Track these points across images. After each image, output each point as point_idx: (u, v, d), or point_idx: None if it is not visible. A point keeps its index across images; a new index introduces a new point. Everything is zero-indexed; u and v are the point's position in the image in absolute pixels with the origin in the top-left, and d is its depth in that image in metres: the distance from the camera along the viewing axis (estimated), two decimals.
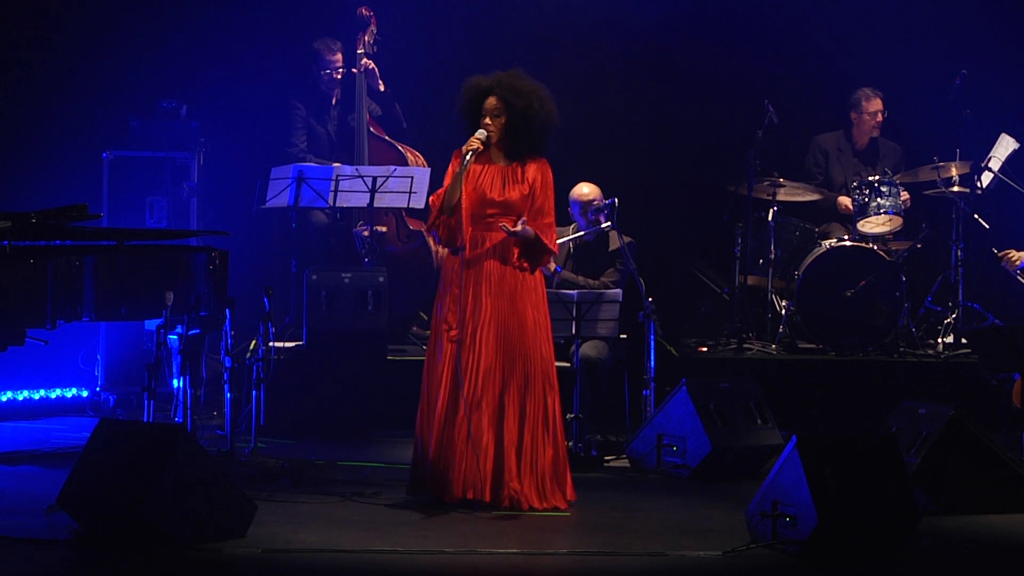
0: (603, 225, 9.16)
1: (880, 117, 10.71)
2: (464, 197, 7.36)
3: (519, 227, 7.36)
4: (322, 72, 10.55)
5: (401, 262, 10.36)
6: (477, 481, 7.26)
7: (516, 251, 7.43)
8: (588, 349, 8.82)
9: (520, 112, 7.41)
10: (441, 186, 7.48)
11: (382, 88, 10.49)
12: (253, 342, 9.14)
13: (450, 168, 7.46)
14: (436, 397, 7.37)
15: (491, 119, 7.41)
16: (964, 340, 10.10)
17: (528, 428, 7.34)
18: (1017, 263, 9.36)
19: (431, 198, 7.51)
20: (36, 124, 10.51)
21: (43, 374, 10.01)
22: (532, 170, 7.46)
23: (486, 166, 7.44)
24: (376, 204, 9.90)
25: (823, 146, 10.87)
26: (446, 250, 10.29)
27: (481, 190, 7.41)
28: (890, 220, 10.28)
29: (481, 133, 7.38)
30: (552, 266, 9.10)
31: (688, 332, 10.77)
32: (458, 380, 7.31)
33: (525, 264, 7.45)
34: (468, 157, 7.34)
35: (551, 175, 7.53)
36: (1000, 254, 9.41)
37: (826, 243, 10.30)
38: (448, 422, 7.33)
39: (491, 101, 7.43)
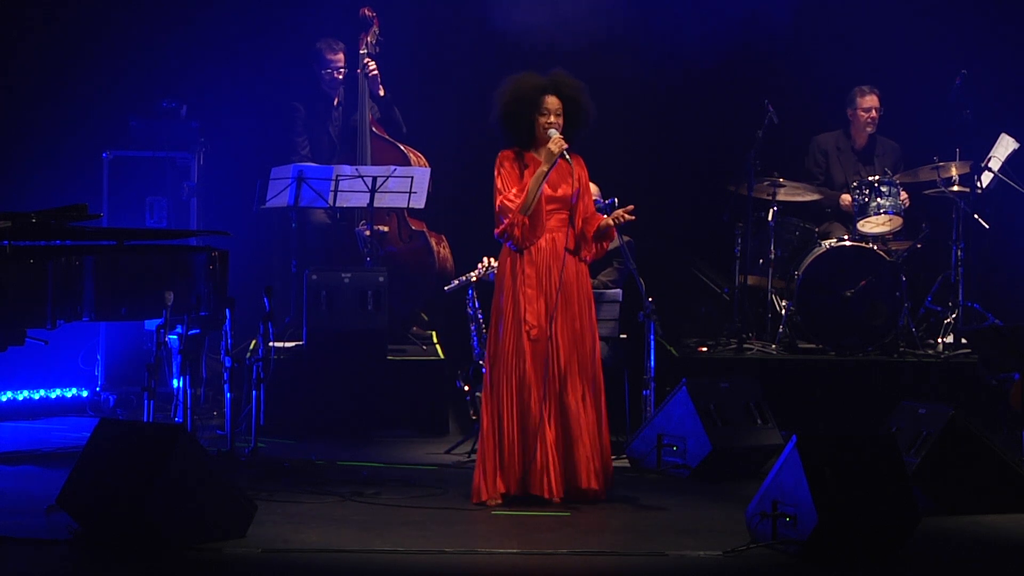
0: None
1: (875, 114, 10.70)
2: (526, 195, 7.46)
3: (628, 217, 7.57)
4: (324, 72, 10.55)
5: (402, 262, 10.36)
6: (589, 473, 7.40)
7: (589, 240, 7.58)
8: None
9: (583, 109, 7.55)
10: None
11: (382, 93, 10.49)
12: (253, 342, 9.15)
13: (503, 171, 7.49)
14: (528, 399, 7.39)
15: (555, 117, 7.49)
16: (964, 340, 10.10)
17: (603, 419, 7.51)
18: None
19: (500, 202, 7.49)
20: (36, 124, 10.51)
21: (43, 374, 10.01)
22: (576, 165, 7.57)
23: (536, 165, 7.48)
24: (376, 204, 9.90)
25: (822, 146, 10.87)
26: (446, 249, 10.31)
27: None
28: (890, 220, 10.28)
29: (554, 132, 7.44)
30: None
31: (688, 332, 10.77)
32: (547, 377, 7.38)
33: (586, 255, 7.59)
34: (566, 156, 7.41)
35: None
36: None
37: (826, 243, 10.30)
38: (542, 421, 7.38)
39: (554, 100, 7.51)
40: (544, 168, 7.42)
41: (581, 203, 7.58)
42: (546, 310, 7.45)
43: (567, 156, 7.43)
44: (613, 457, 8.68)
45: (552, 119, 7.48)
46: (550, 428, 7.39)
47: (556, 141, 7.42)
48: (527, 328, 7.44)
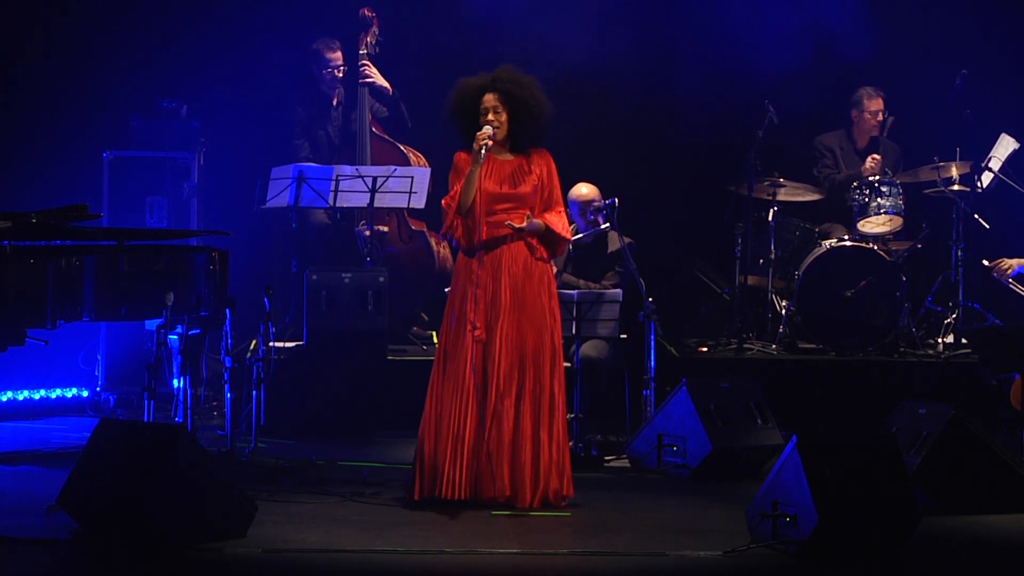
0: (603, 226, 9.16)
1: (880, 117, 10.71)
2: (476, 195, 7.38)
3: (526, 223, 7.39)
4: (323, 71, 10.55)
5: (402, 262, 10.36)
6: (500, 479, 7.28)
7: (534, 242, 7.46)
8: (588, 349, 8.82)
9: (524, 103, 7.42)
10: (445, 190, 7.49)
11: (391, 92, 10.50)
12: (253, 342, 9.14)
13: (453, 172, 7.46)
14: (459, 398, 7.33)
15: (493, 115, 7.40)
16: (964, 340, 10.10)
17: (544, 425, 7.36)
18: (1009, 272, 9.29)
19: (443, 202, 7.47)
20: (36, 124, 10.51)
21: (43, 374, 10.01)
22: (537, 161, 7.51)
23: (492, 162, 7.43)
24: (376, 204, 9.90)
25: (828, 144, 10.87)
26: (446, 249, 10.31)
27: (492, 186, 7.42)
28: (890, 220, 10.28)
29: (487, 129, 7.35)
30: (553, 269, 9.10)
31: (688, 332, 10.77)
32: (485, 379, 7.32)
33: (543, 254, 7.50)
34: (482, 152, 7.32)
35: (554, 164, 7.58)
36: (991, 264, 9.32)
37: (826, 243, 10.31)
38: (474, 422, 7.31)
39: (490, 98, 7.41)
40: (473, 167, 7.34)
41: (539, 200, 7.49)
42: (492, 310, 7.38)
43: (482, 153, 7.31)
44: (612, 457, 8.73)
45: (490, 116, 7.38)
46: (471, 430, 7.30)
47: (478, 137, 7.32)
48: (470, 328, 7.37)
